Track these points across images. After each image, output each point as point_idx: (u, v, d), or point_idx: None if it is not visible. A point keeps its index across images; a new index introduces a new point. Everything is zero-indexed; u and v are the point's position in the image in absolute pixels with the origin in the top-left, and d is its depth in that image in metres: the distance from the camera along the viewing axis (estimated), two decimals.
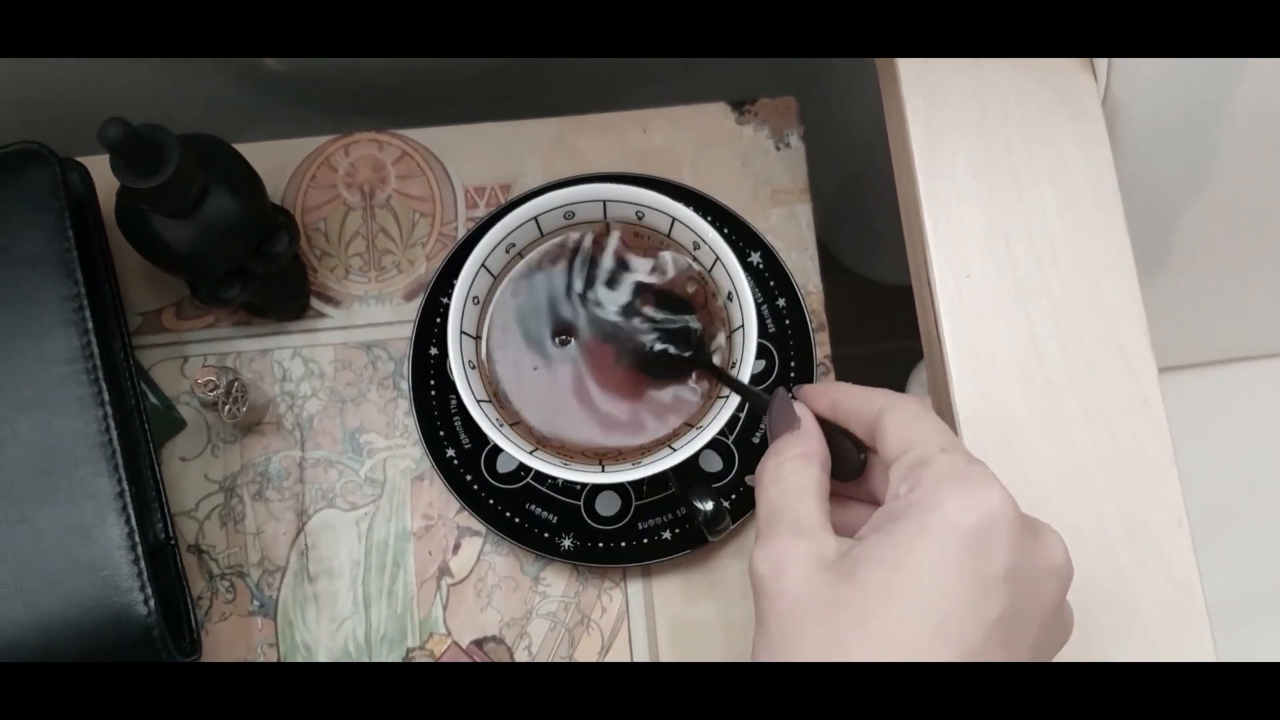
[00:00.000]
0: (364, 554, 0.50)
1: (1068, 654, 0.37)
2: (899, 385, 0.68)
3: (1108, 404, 0.43)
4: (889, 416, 0.39)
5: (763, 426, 0.51)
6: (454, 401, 0.50)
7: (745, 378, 0.44)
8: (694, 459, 0.49)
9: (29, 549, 0.41)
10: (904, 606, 0.34)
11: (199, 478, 0.51)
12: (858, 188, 0.73)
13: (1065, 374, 0.43)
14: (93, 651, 0.41)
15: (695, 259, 0.47)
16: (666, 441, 0.46)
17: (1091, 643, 0.40)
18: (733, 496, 0.50)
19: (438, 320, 0.51)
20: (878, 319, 0.72)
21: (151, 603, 0.42)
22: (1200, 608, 0.40)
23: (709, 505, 0.46)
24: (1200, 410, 0.62)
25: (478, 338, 0.46)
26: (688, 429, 0.46)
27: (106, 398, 0.43)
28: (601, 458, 0.46)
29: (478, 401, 0.44)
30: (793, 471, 0.39)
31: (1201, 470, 0.62)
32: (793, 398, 0.42)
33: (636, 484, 0.50)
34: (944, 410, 0.45)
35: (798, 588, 0.35)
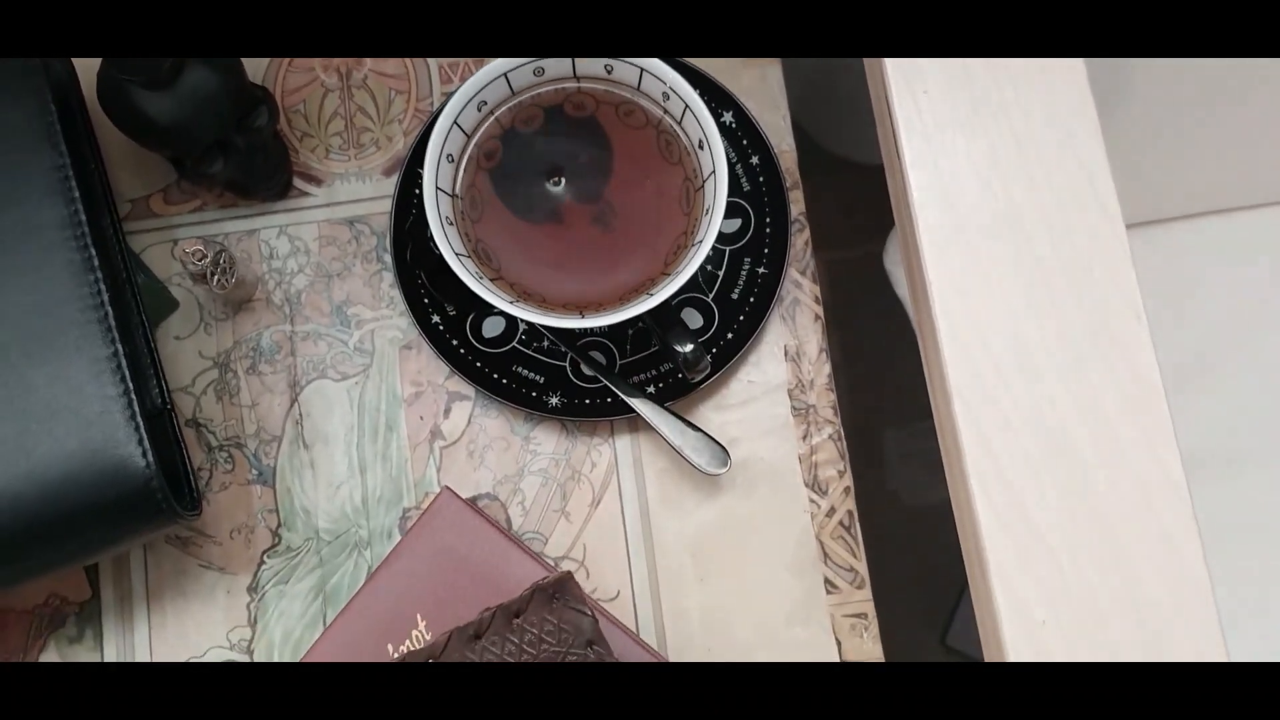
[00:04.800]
0: (357, 420, 0.51)
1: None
2: (878, 246, 0.68)
3: (1081, 256, 0.43)
4: None
5: (741, 281, 0.52)
6: (438, 253, 0.51)
7: (717, 225, 0.45)
8: (675, 313, 0.50)
9: (27, 407, 0.42)
10: None
11: (193, 355, 0.52)
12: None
13: (1035, 213, 0.44)
14: (95, 506, 0.43)
15: (666, 110, 0.48)
16: (643, 289, 0.47)
17: (1069, 483, 0.41)
18: (713, 350, 0.51)
19: (416, 192, 0.52)
20: (853, 197, 0.72)
21: (150, 457, 0.43)
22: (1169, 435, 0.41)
23: (688, 347, 0.47)
24: (1170, 264, 0.62)
25: (455, 195, 0.47)
26: (663, 277, 0.47)
27: (96, 264, 0.44)
28: (581, 308, 0.47)
29: (457, 255, 0.46)
30: None
31: (1172, 324, 0.63)
32: None
33: (620, 341, 0.51)
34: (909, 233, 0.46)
35: None
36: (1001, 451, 0.39)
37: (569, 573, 0.42)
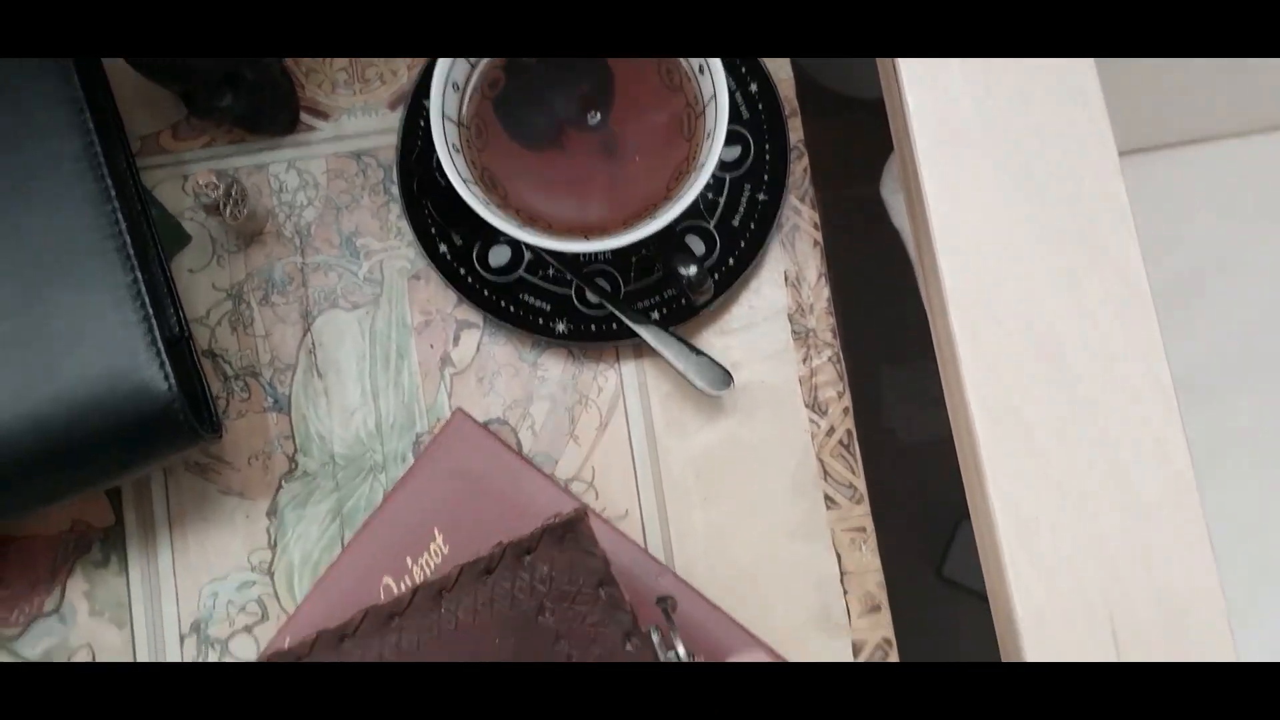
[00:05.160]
0: (368, 349, 0.53)
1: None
2: (874, 175, 0.69)
3: (1073, 169, 0.44)
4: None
5: (741, 208, 0.53)
6: (444, 184, 0.52)
7: (718, 148, 0.47)
8: (679, 238, 0.51)
9: (52, 333, 0.44)
10: None
11: (207, 287, 0.53)
12: None
13: (1028, 129, 0.45)
14: (120, 427, 0.44)
15: None
16: (647, 214, 0.48)
17: (1062, 386, 0.42)
18: (715, 276, 0.52)
19: (422, 124, 0.53)
20: (850, 134, 0.73)
21: (171, 380, 0.44)
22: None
23: (692, 270, 0.48)
24: (1161, 192, 0.64)
25: (461, 124, 0.48)
26: (666, 202, 0.48)
27: (113, 194, 0.45)
28: (586, 233, 0.48)
29: (464, 182, 0.47)
30: None
31: (1164, 249, 0.64)
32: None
33: (624, 269, 0.53)
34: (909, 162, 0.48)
35: None
36: (996, 357, 0.41)
37: (580, 512, 0.42)
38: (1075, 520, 0.40)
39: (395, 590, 0.46)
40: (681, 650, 0.40)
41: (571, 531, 0.41)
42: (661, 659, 0.40)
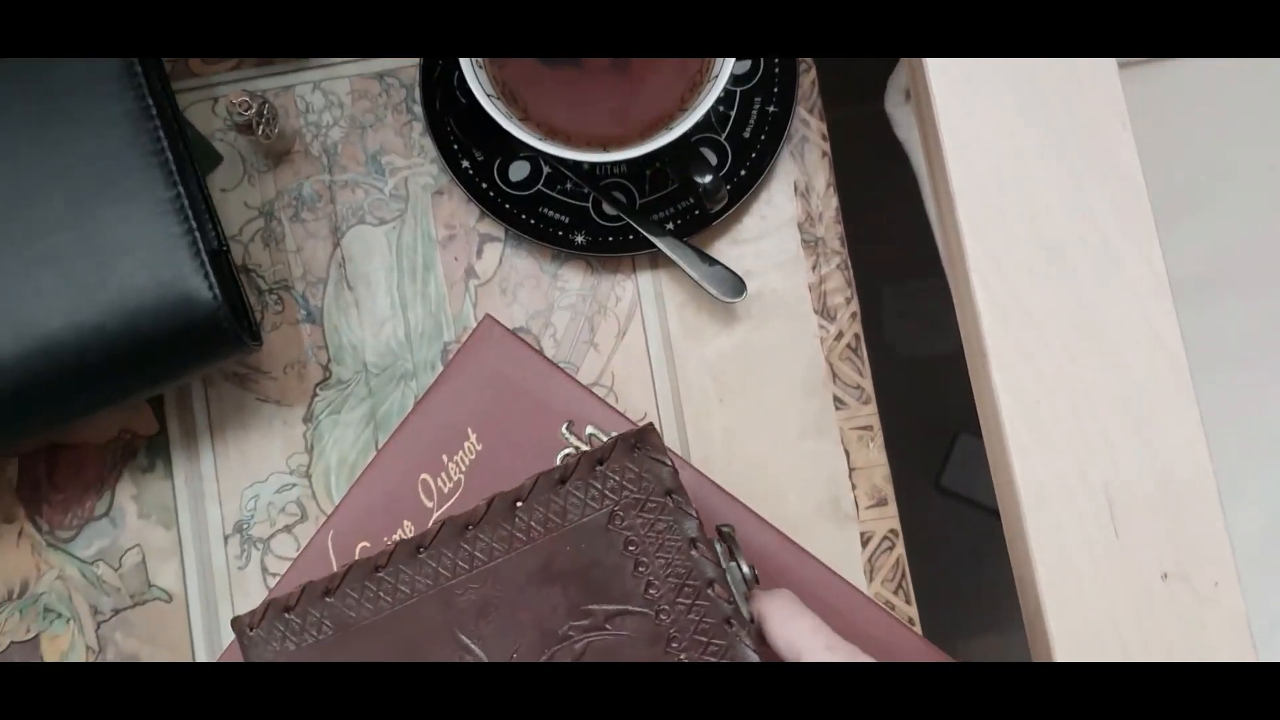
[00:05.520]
0: (396, 262, 0.55)
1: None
2: (880, 88, 0.71)
3: (1072, 71, 0.46)
4: (769, 624, 0.41)
5: (751, 121, 0.55)
6: (465, 102, 0.54)
7: (730, 61, 0.49)
8: (694, 150, 0.53)
9: (102, 245, 0.46)
10: None
11: (239, 205, 0.55)
12: None
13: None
14: (169, 334, 0.46)
15: None
16: (661, 125, 0.50)
17: (1063, 279, 0.45)
18: (728, 187, 0.54)
19: None
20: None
21: (216, 288, 0.47)
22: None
23: (707, 178, 0.50)
24: (1158, 100, 0.66)
25: None
26: (681, 113, 0.50)
27: (154, 112, 0.47)
28: (604, 144, 0.50)
29: (488, 96, 0.49)
30: None
31: (1164, 160, 0.67)
32: None
33: (640, 182, 0.55)
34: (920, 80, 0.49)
35: None
36: (1002, 252, 0.43)
37: (650, 424, 0.44)
38: (1075, 402, 0.43)
39: (432, 486, 0.49)
40: (745, 566, 0.42)
41: (643, 441, 0.42)
42: (724, 567, 0.42)
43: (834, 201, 0.56)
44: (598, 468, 0.42)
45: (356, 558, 0.47)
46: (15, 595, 0.53)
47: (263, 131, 0.52)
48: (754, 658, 0.41)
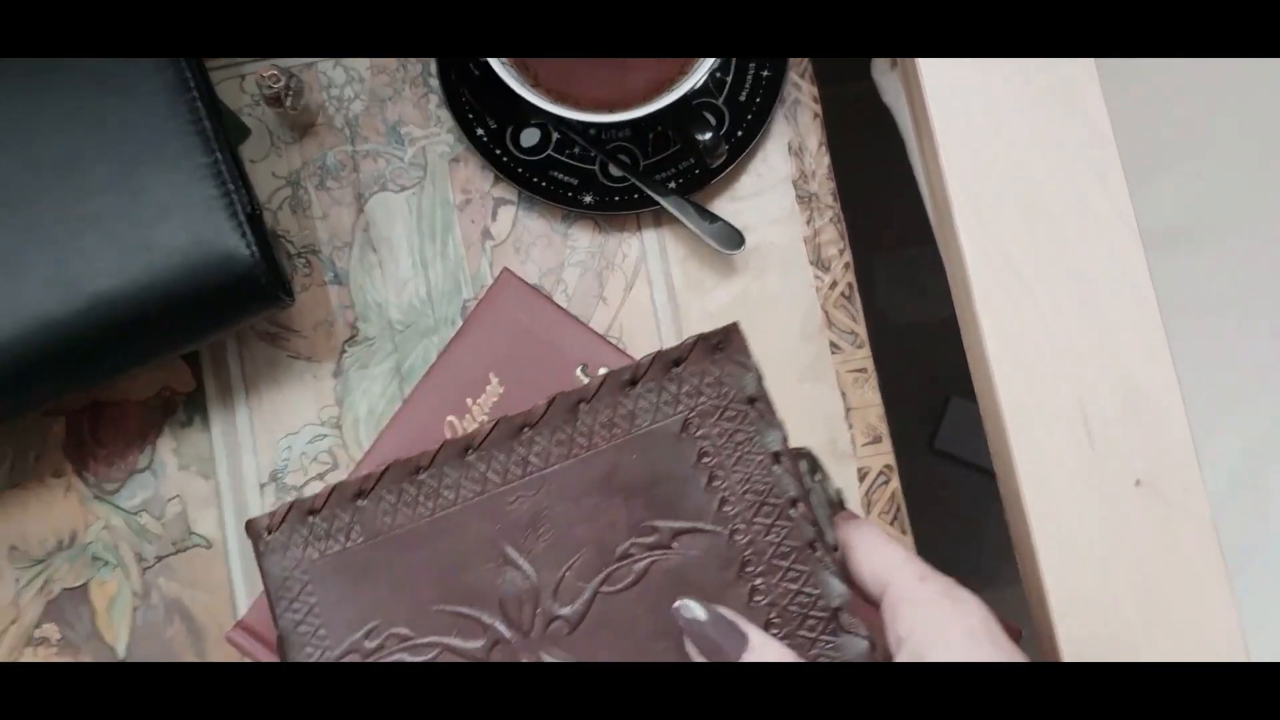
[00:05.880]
0: (416, 226, 0.59)
1: None
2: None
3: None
4: (854, 554, 0.38)
5: (747, 85, 0.59)
6: (478, 74, 0.58)
7: None
8: (694, 111, 0.57)
9: (145, 207, 0.49)
10: None
11: (267, 175, 0.59)
12: None
13: None
14: (211, 290, 0.50)
15: None
16: (664, 87, 0.54)
17: (1048, 230, 0.48)
18: (726, 145, 0.58)
19: None
20: None
21: (254, 248, 0.50)
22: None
23: (708, 135, 0.54)
24: (1139, 64, 0.69)
25: None
26: (681, 76, 0.54)
27: (192, 84, 0.51)
28: (611, 107, 0.54)
29: (503, 64, 0.52)
30: None
31: (1144, 117, 0.70)
32: None
33: (643, 144, 0.58)
34: None
35: None
36: (985, 202, 0.47)
37: (735, 324, 0.39)
38: (1053, 333, 0.47)
39: (458, 427, 0.52)
40: (833, 487, 0.38)
41: (726, 343, 0.38)
42: (808, 486, 0.38)
43: (826, 160, 0.59)
44: (673, 369, 0.38)
45: None
46: (65, 545, 0.57)
47: (290, 103, 0.55)
48: (840, 587, 0.37)
